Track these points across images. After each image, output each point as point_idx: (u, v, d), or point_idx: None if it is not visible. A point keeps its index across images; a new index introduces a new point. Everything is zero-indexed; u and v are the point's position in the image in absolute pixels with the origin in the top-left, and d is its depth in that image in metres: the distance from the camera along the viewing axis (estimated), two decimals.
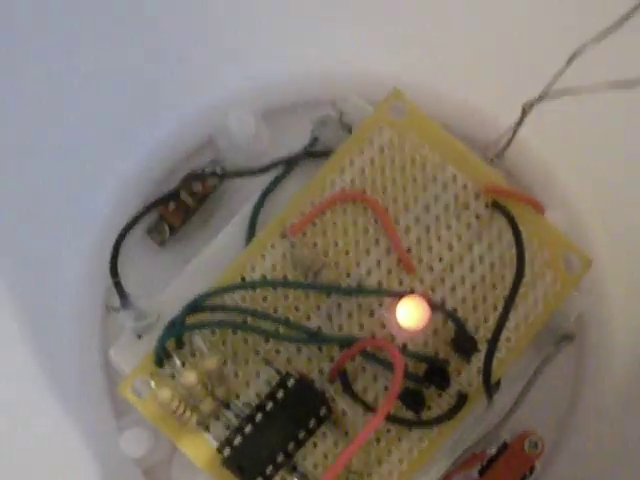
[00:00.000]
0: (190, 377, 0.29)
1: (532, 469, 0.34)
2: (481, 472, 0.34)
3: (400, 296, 0.30)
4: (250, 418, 0.30)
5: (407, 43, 0.35)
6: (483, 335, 0.31)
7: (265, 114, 0.37)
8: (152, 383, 0.30)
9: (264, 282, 0.32)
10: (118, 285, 0.32)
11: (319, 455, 0.31)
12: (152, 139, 0.35)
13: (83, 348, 0.36)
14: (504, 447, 0.34)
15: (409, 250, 0.32)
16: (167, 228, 0.35)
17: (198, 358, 0.31)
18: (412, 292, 0.30)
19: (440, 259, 0.32)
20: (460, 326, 0.31)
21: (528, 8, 0.34)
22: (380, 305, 0.31)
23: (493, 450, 0.34)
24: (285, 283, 0.32)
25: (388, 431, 0.31)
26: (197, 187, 0.34)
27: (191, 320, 0.31)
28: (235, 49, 0.36)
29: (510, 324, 0.31)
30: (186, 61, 0.36)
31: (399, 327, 0.30)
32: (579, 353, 0.36)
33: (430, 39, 0.35)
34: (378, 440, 0.31)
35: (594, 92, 0.28)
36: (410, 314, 0.29)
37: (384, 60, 0.35)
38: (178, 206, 0.34)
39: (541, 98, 0.30)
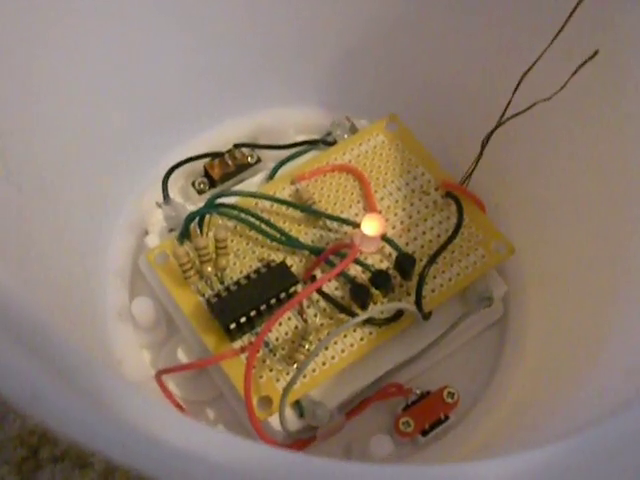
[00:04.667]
0: (203, 241, 0.42)
1: (447, 416, 0.44)
2: (405, 408, 0.45)
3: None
4: (237, 282, 0.42)
5: None
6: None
7: None
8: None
9: (263, 195, 0.46)
10: (165, 188, 0.46)
11: (282, 332, 0.42)
12: None
13: None
14: (427, 393, 0.45)
15: (380, 212, 0.46)
16: (207, 180, 0.49)
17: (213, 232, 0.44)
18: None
19: (401, 222, 0.46)
20: (400, 249, 0.44)
21: None
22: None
23: (418, 392, 0.45)
24: (278, 199, 0.46)
25: (338, 327, 0.41)
26: (239, 154, 0.49)
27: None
28: None
29: (445, 275, 0.44)
30: None
31: (362, 235, 0.43)
32: (502, 331, 0.48)
33: None
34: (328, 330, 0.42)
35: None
36: (371, 224, 0.43)
37: None
38: (220, 165, 0.49)
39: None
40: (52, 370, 0.24)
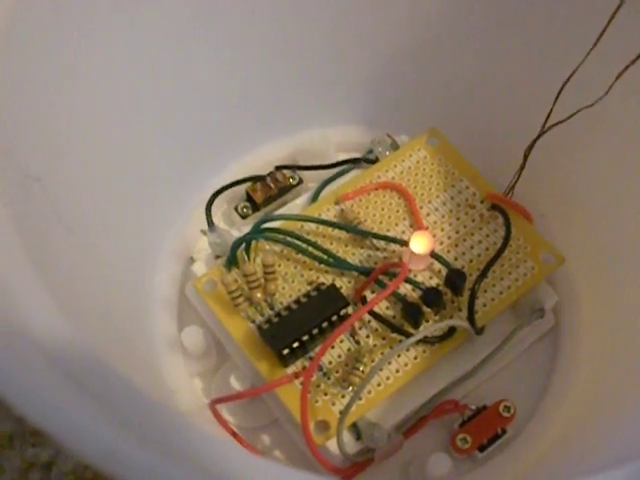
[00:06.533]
0: (251, 267, 0.42)
1: (504, 430, 0.44)
2: (461, 424, 0.44)
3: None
4: (287, 307, 0.42)
5: None
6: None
7: None
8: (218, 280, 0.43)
9: (308, 218, 0.46)
10: (209, 215, 0.46)
11: (335, 355, 0.42)
12: None
13: None
14: (483, 408, 0.44)
15: (427, 228, 0.46)
16: (250, 204, 0.49)
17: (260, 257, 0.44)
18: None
19: (449, 237, 0.45)
20: (449, 265, 0.44)
21: None
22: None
23: (473, 407, 0.44)
24: (323, 221, 0.45)
25: (391, 347, 0.42)
26: (280, 176, 0.49)
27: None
28: None
29: (496, 289, 0.44)
30: None
31: (411, 253, 0.42)
32: (554, 342, 0.47)
33: None
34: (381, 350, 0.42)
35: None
36: (420, 242, 0.42)
37: None
38: (262, 188, 0.49)
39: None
40: (123, 423, 0.24)
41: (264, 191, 0.49)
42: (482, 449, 0.43)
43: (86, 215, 0.41)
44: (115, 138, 0.44)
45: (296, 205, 0.48)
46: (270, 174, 0.49)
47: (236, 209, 0.49)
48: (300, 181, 0.50)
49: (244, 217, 0.49)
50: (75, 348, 0.27)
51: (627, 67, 0.41)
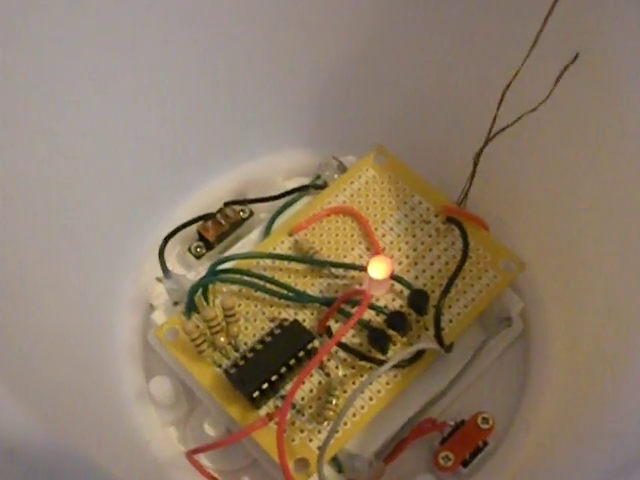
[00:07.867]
0: (211, 312, 0.41)
1: (485, 442, 0.43)
2: (442, 442, 0.44)
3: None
4: (252, 348, 0.41)
5: None
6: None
7: None
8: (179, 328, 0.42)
9: (263, 254, 0.45)
10: (162, 262, 0.45)
11: (306, 390, 0.41)
12: None
13: None
14: (462, 423, 0.44)
15: (384, 249, 0.45)
16: (203, 244, 0.48)
17: (219, 300, 0.43)
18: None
19: (407, 256, 0.45)
20: (410, 286, 0.43)
21: None
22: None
23: (452, 423, 0.44)
24: (279, 256, 0.45)
25: (361, 375, 0.42)
26: (230, 212, 0.48)
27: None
28: None
29: (460, 303, 0.44)
30: None
31: (370, 279, 0.42)
32: (525, 347, 0.47)
33: None
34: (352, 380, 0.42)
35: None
36: (378, 267, 0.42)
37: None
38: (214, 226, 0.48)
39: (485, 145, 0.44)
40: None
41: (216, 229, 0.48)
42: (465, 464, 0.43)
43: (35, 278, 0.40)
44: (57, 191, 0.43)
45: (250, 240, 0.48)
46: (220, 211, 0.49)
47: (190, 250, 0.48)
48: (251, 213, 0.49)
49: (198, 257, 0.48)
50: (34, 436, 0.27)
51: (565, 68, 0.40)
